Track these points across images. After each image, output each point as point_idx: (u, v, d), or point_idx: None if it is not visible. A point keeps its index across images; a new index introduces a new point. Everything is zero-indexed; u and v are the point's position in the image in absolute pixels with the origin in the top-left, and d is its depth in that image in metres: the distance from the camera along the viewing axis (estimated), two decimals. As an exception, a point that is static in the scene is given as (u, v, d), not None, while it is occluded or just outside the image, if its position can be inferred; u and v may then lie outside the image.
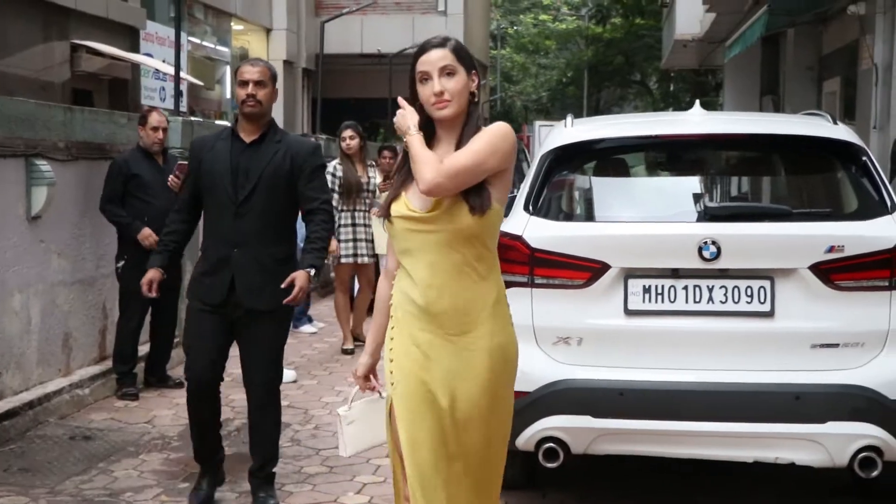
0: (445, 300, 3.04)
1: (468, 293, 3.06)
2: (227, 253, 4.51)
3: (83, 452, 5.57)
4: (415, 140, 3.02)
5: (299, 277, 4.47)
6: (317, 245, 4.65)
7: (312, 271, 4.52)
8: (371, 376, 3.38)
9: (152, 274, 4.64)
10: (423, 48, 3.10)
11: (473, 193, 3.00)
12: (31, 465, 5.33)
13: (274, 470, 4.78)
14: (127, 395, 6.74)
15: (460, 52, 3.08)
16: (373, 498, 4.97)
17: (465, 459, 3.09)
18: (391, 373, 3.15)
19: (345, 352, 9.02)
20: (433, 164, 2.96)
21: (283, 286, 4.46)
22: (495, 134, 3.06)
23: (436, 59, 3.05)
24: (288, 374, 6.58)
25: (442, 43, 3.09)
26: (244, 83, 4.48)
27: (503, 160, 3.04)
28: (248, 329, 4.59)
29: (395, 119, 3.16)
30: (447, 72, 3.03)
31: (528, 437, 4.23)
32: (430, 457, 3.04)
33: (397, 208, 3.11)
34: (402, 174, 3.18)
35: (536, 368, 4.23)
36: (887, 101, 10.60)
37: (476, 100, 3.13)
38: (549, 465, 4.21)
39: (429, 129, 3.11)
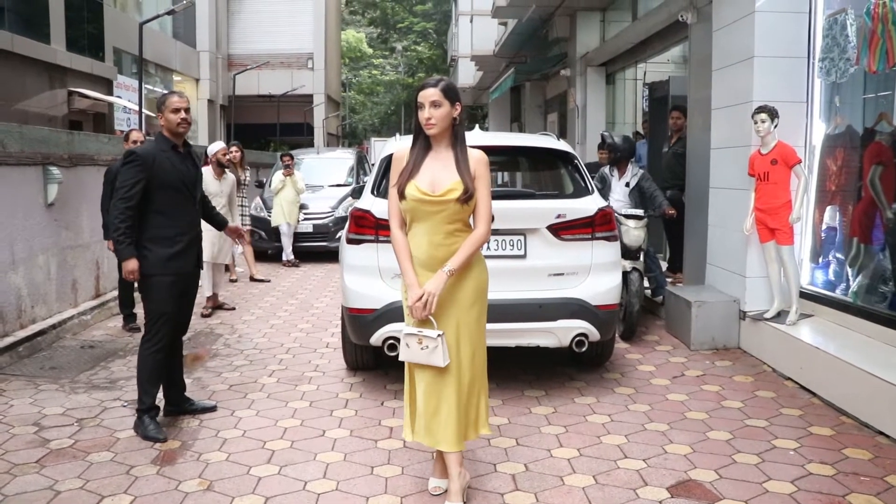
0: (440, 254, 2.81)
1: (455, 247, 2.81)
2: (194, 234, 3.89)
3: (90, 356, 5.33)
4: (445, 274, 2.75)
5: (235, 227, 4.49)
6: (220, 215, 4.40)
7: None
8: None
9: (132, 265, 3.66)
10: (423, 86, 2.85)
11: (464, 193, 2.78)
12: (57, 365, 5.08)
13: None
14: (133, 329, 5.97)
15: (446, 91, 2.82)
16: (279, 379, 4.79)
17: (460, 361, 2.86)
18: (406, 309, 2.88)
19: (251, 279, 8.70)
20: (475, 238, 2.80)
21: (232, 236, 4.51)
22: (487, 167, 2.85)
23: (428, 95, 2.81)
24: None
25: (435, 84, 2.83)
26: (177, 110, 3.77)
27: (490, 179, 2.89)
28: (189, 286, 3.95)
29: (414, 305, 2.77)
30: (435, 104, 2.80)
31: (377, 337, 4.15)
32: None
33: (410, 191, 2.81)
34: (408, 168, 2.86)
35: (382, 293, 4.14)
36: (584, 128, 11.01)
37: (458, 123, 2.85)
38: (391, 354, 4.14)
39: (426, 141, 2.89)
